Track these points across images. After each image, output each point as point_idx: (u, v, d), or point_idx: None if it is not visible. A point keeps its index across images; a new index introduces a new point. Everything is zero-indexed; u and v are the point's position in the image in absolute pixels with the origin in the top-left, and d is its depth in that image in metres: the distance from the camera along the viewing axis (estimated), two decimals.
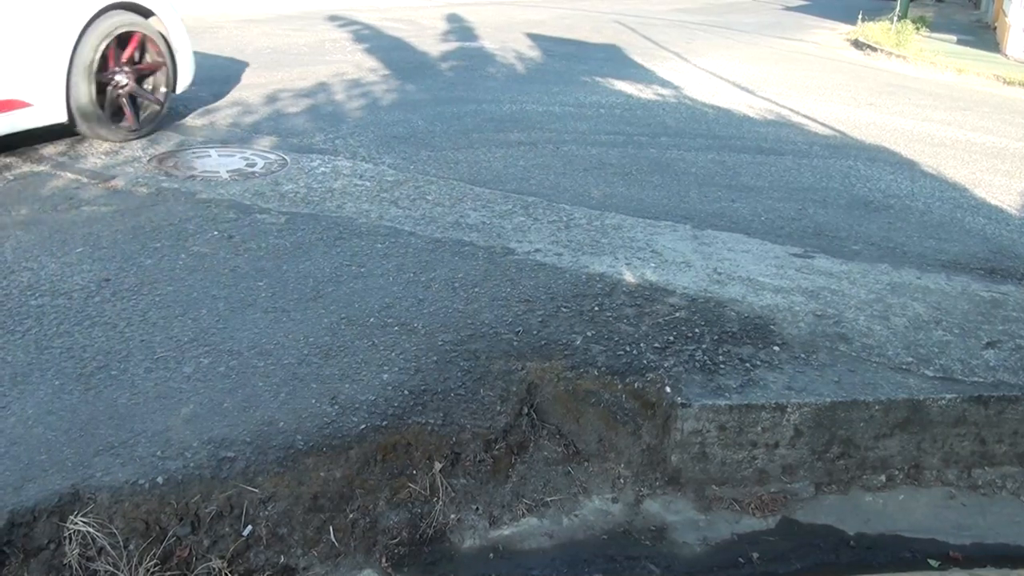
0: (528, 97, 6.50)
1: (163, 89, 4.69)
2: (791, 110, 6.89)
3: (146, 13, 4.52)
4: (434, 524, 2.26)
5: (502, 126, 5.52)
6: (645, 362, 2.63)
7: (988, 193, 4.90)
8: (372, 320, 2.80)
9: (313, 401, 2.35)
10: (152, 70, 4.62)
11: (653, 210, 4.09)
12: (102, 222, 3.45)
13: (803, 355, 2.75)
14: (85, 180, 3.92)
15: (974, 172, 5.37)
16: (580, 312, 2.93)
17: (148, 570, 1.95)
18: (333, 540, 2.15)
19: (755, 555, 2.36)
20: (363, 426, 2.27)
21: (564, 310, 2.93)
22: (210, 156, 4.44)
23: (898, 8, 13.97)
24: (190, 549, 2.03)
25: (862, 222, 4.19)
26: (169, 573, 1.98)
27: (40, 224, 3.39)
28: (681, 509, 2.47)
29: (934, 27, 14.89)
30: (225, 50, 7.32)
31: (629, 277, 3.25)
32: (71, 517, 1.93)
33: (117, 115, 4.45)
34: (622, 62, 8.75)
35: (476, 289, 3.06)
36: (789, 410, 2.49)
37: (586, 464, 2.53)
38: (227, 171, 4.19)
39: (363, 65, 7.29)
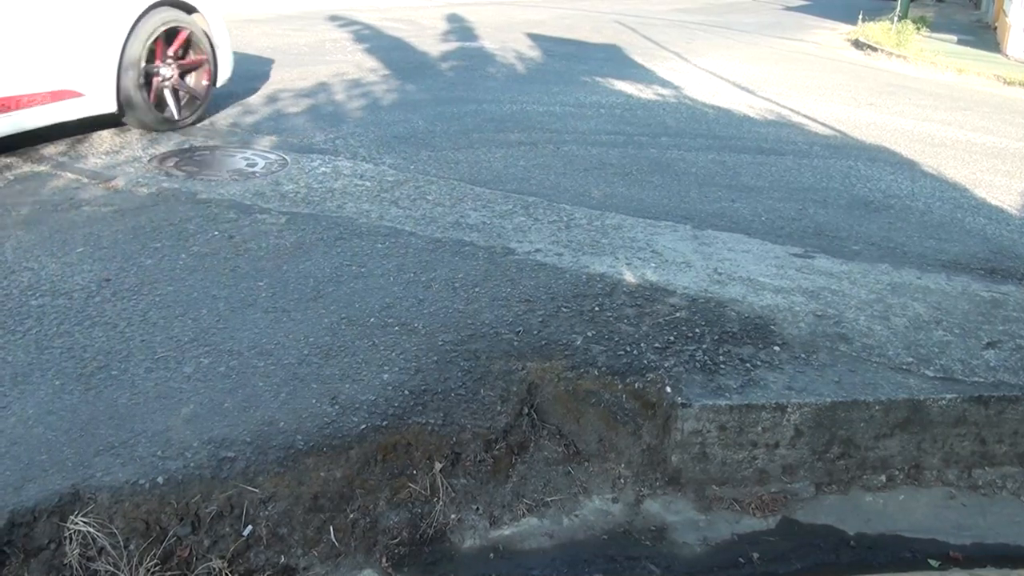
0: (528, 97, 6.50)
1: (204, 82, 4.92)
2: (791, 110, 6.89)
3: (190, 10, 4.75)
4: (434, 524, 2.26)
5: (502, 126, 5.52)
6: (645, 362, 2.63)
7: (988, 193, 4.90)
8: (372, 320, 2.80)
9: (313, 401, 2.35)
10: (195, 64, 4.85)
11: (653, 210, 4.09)
12: (102, 222, 3.45)
13: (803, 355, 2.75)
14: (85, 180, 3.92)
15: (974, 172, 5.37)
16: (580, 312, 2.93)
17: (148, 570, 1.95)
18: (333, 540, 2.15)
19: (755, 555, 2.36)
20: (363, 426, 2.27)
21: (564, 310, 2.93)
22: (210, 156, 4.44)
23: (898, 8, 13.97)
24: (190, 549, 2.03)
25: (862, 222, 4.19)
26: (169, 573, 1.98)
27: (40, 224, 3.39)
28: (681, 509, 2.47)
29: (934, 27, 14.90)
30: None
31: (629, 277, 3.25)
32: (71, 517, 1.93)
33: (161, 106, 4.68)
34: (622, 62, 8.75)
35: (476, 289, 3.06)
36: (789, 410, 2.49)
37: (586, 464, 2.53)
38: (227, 171, 4.19)
39: (363, 65, 7.29)
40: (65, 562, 1.92)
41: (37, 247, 3.18)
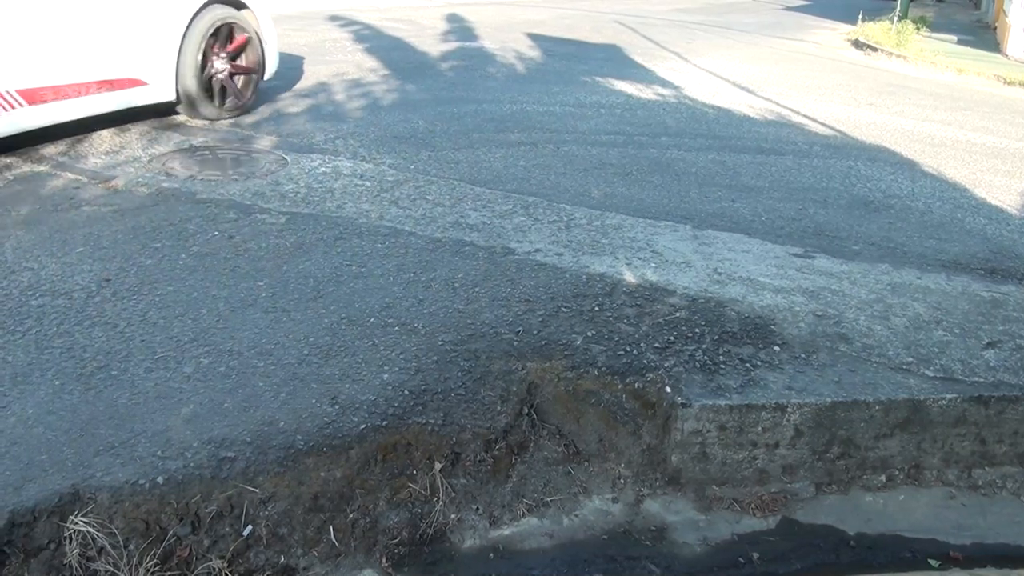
0: (528, 97, 6.50)
1: (254, 73, 5.24)
2: (791, 110, 6.89)
3: (240, 6, 5.07)
4: (434, 524, 2.26)
5: (502, 126, 5.52)
6: (645, 362, 2.63)
7: (988, 193, 4.90)
8: (372, 320, 2.80)
9: (313, 401, 2.35)
10: (246, 58, 5.18)
11: (653, 210, 4.09)
12: (102, 222, 3.45)
13: (803, 355, 2.75)
14: (85, 180, 3.92)
15: (974, 172, 5.37)
16: (580, 312, 2.93)
17: (148, 570, 1.95)
18: (333, 540, 2.15)
19: (755, 555, 2.36)
20: (363, 426, 2.27)
21: (564, 310, 2.93)
22: (210, 156, 4.44)
23: (898, 8, 13.98)
24: (190, 549, 2.03)
25: (862, 222, 4.19)
26: (169, 573, 1.98)
27: (40, 224, 3.39)
28: (681, 509, 2.47)
29: (934, 27, 14.90)
30: None
31: (629, 277, 3.25)
32: (71, 517, 1.93)
33: (213, 96, 4.98)
34: (622, 62, 8.75)
35: (476, 289, 3.06)
36: (789, 410, 2.49)
37: (586, 464, 2.53)
38: (227, 171, 4.19)
39: (363, 65, 7.29)
40: (65, 562, 1.92)
41: (37, 247, 3.18)
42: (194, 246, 3.27)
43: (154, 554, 1.97)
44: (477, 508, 2.34)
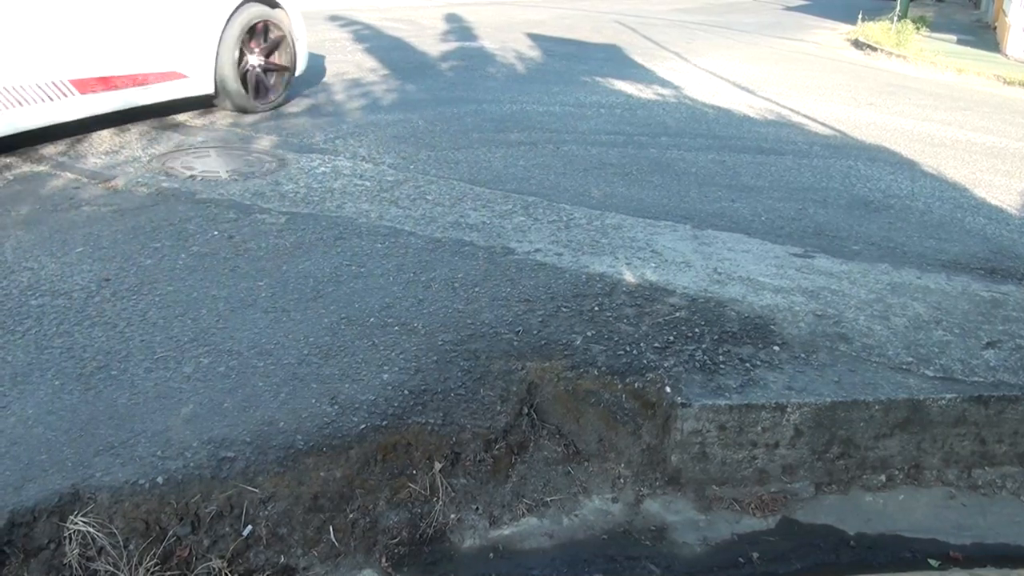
0: (528, 97, 6.50)
1: (287, 69, 5.47)
2: (791, 110, 6.90)
3: (274, 5, 5.30)
4: (434, 524, 2.26)
5: (502, 126, 5.52)
6: (645, 362, 2.63)
7: (988, 193, 4.90)
8: (372, 320, 2.80)
9: (313, 401, 2.35)
10: (279, 54, 5.42)
11: (653, 210, 4.09)
12: (102, 222, 3.45)
13: (803, 355, 2.75)
14: (85, 180, 3.92)
15: (974, 172, 5.37)
16: (580, 312, 2.92)
17: (148, 570, 1.95)
18: (333, 540, 2.15)
19: (755, 555, 2.36)
20: (363, 426, 2.27)
21: (564, 310, 2.93)
22: (210, 156, 4.44)
23: (898, 8, 13.98)
24: (190, 549, 2.03)
25: (862, 222, 4.19)
26: (169, 573, 1.98)
27: (40, 224, 3.39)
28: (681, 509, 2.47)
29: (934, 27, 14.90)
30: None
31: (629, 277, 3.25)
32: (71, 517, 1.93)
33: (248, 90, 5.20)
34: (622, 62, 8.75)
35: (476, 289, 3.06)
36: (789, 410, 2.49)
37: (586, 464, 2.53)
38: (227, 171, 4.19)
39: (363, 65, 7.29)
40: (65, 562, 1.92)
41: (37, 247, 3.18)
42: (194, 246, 3.27)
43: (154, 554, 1.97)
44: (477, 508, 2.34)
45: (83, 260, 3.09)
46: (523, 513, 2.38)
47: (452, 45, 8.83)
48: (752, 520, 2.48)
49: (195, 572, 2.01)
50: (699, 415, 2.44)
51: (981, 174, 5.33)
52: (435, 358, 2.60)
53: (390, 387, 2.44)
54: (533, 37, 9.88)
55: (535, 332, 2.77)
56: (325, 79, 6.51)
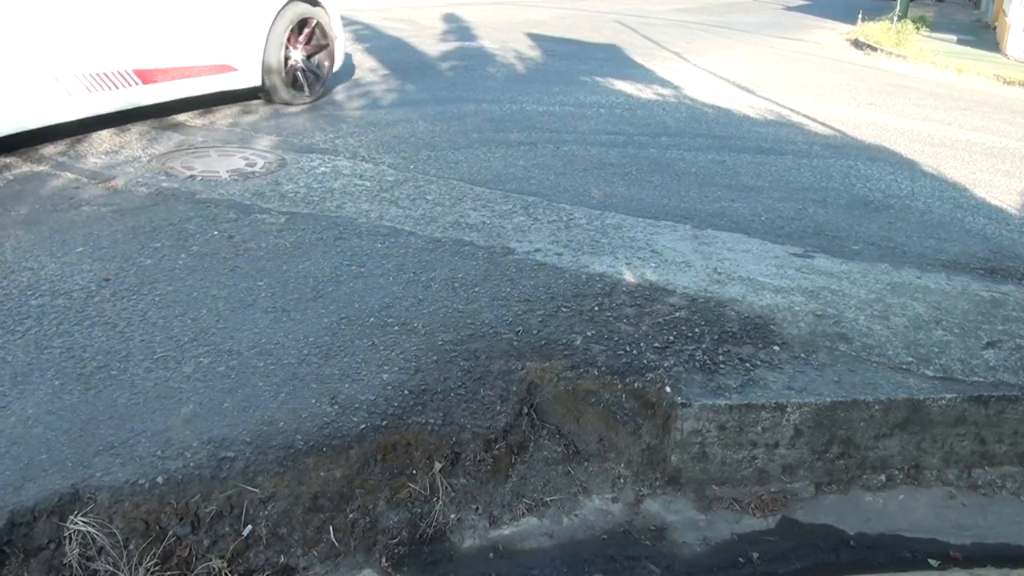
0: (528, 97, 6.50)
1: (326, 64, 5.81)
2: (791, 110, 6.90)
3: (315, 4, 5.61)
4: (434, 524, 2.26)
5: (502, 126, 5.52)
6: (645, 362, 2.63)
7: (988, 193, 4.90)
8: (372, 320, 2.80)
9: (313, 401, 2.35)
10: (318, 50, 5.73)
11: (653, 210, 4.09)
12: (102, 222, 3.45)
13: (803, 355, 2.75)
14: (85, 180, 3.92)
15: (974, 172, 5.37)
16: (580, 312, 2.93)
17: (148, 570, 1.95)
18: (333, 540, 2.15)
19: (755, 555, 2.36)
20: (363, 426, 2.27)
21: (564, 310, 2.93)
22: (210, 156, 4.44)
23: (898, 8, 13.98)
24: (190, 549, 2.03)
25: (862, 222, 4.19)
26: (169, 573, 1.98)
27: (40, 224, 3.39)
28: (681, 509, 2.47)
29: (934, 27, 14.90)
30: None
31: (629, 277, 3.25)
32: (71, 517, 1.93)
33: (291, 84, 5.53)
34: (622, 62, 8.75)
35: (476, 289, 3.06)
36: (789, 410, 2.49)
37: (586, 464, 2.53)
38: (227, 171, 4.19)
39: (363, 65, 7.29)
40: (65, 562, 1.92)
41: (37, 247, 3.18)
42: (194, 246, 3.27)
43: (154, 554, 1.97)
44: (477, 508, 2.34)
45: (83, 260, 3.09)
46: (523, 513, 2.38)
47: (452, 45, 8.83)
48: (752, 520, 2.48)
49: (195, 572, 2.01)
50: (699, 415, 2.44)
51: (981, 174, 5.33)
52: (435, 358, 2.60)
53: (390, 387, 2.44)
54: (533, 37, 9.88)
55: (535, 332, 2.77)
56: None
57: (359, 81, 6.58)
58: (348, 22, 9.69)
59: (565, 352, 2.65)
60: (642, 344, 2.73)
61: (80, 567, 1.92)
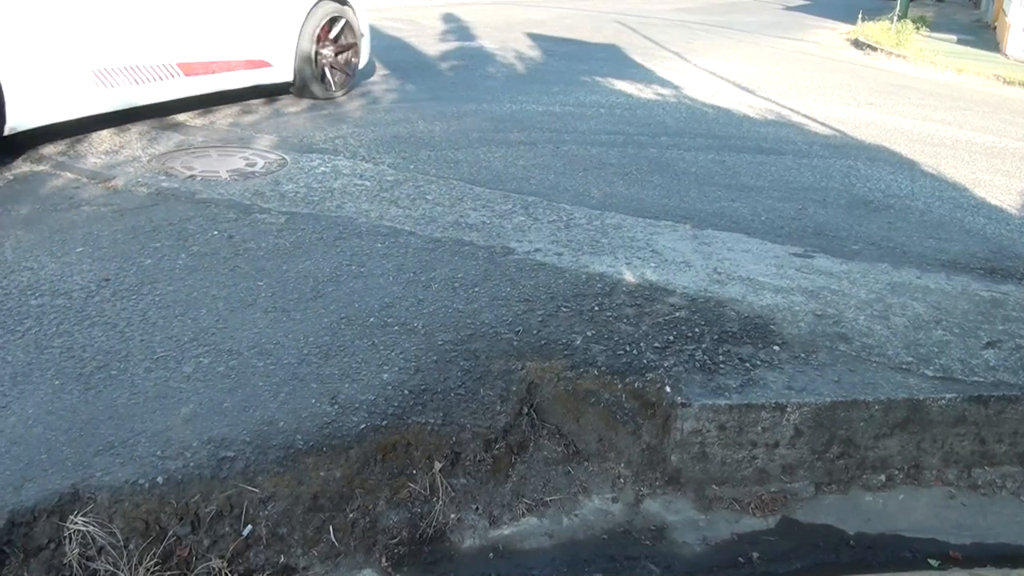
0: (528, 97, 6.50)
1: (354, 61, 6.05)
2: (791, 110, 6.90)
3: (344, 2, 5.86)
4: (434, 524, 2.26)
5: (502, 126, 5.52)
6: (645, 362, 2.63)
7: (988, 193, 4.90)
8: (372, 320, 2.80)
9: (313, 401, 2.35)
10: (347, 48, 5.96)
11: (653, 210, 4.09)
12: (102, 222, 3.45)
13: (803, 355, 2.75)
14: (85, 180, 3.92)
15: (974, 172, 5.37)
16: (580, 312, 2.93)
17: (148, 570, 1.95)
18: (333, 540, 2.15)
19: (755, 555, 2.36)
20: (363, 426, 2.27)
21: (564, 310, 2.93)
22: (210, 156, 4.44)
23: (898, 8, 13.98)
24: (190, 549, 2.03)
25: (862, 222, 4.19)
26: (169, 573, 1.98)
27: (40, 224, 3.39)
28: (681, 509, 2.47)
29: (934, 27, 14.90)
30: None
31: (629, 277, 3.25)
32: (71, 517, 1.93)
33: (321, 79, 5.77)
34: (622, 62, 8.75)
35: (476, 289, 3.06)
36: (789, 410, 2.49)
37: (586, 464, 2.53)
38: (227, 171, 4.19)
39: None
40: (65, 562, 1.92)
41: (37, 247, 3.18)
42: (194, 246, 3.27)
43: (154, 554, 1.97)
44: (477, 508, 2.34)
45: (83, 260, 3.09)
46: (523, 513, 2.38)
47: (452, 45, 8.83)
48: (752, 520, 2.48)
49: (195, 572, 2.01)
50: (699, 415, 2.44)
51: (981, 174, 5.33)
52: (435, 358, 2.60)
53: (390, 387, 2.44)
54: (533, 37, 9.88)
55: (535, 332, 2.77)
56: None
57: (359, 81, 6.58)
58: None
59: (565, 352, 2.65)
60: (642, 344, 2.73)
61: (80, 567, 1.92)
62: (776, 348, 2.78)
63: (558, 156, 4.92)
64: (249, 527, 2.08)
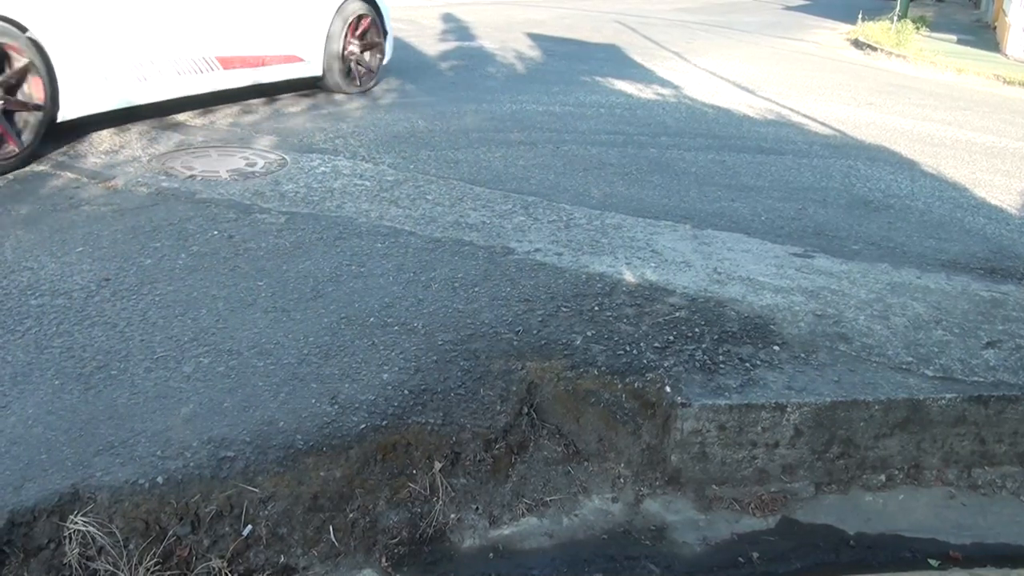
0: (528, 97, 6.50)
1: (379, 57, 6.28)
2: (791, 110, 6.89)
3: (370, 1, 6.08)
4: (434, 524, 2.26)
5: (502, 126, 5.52)
6: (645, 362, 2.63)
7: (988, 193, 4.90)
8: (372, 320, 2.80)
9: (313, 401, 2.35)
10: (372, 45, 6.18)
11: (653, 210, 4.09)
12: (102, 222, 3.45)
13: (803, 355, 2.75)
14: (85, 180, 3.92)
15: (974, 172, 5.37)
16: (580, 312, 2.93)
17: (148, 569, 1.95)
18: (333, 540, 2.15)
19: (755, 555, 2.36)
20: (363, 426, 2.27)
21: (564, 310, 2.93)
22: (210, 156, 4.44)
23: (898, 8, 13.97)
24: (190, 549, 2.03)
25: (862, 222, 4.19)
26: (169, 573, 1.98)
27: (40, 224, 3.39)
28: (681, 509, 2.47)
29: (934, 27, 14.90)
30: None
31: (629, 277, 3.25)
32: (71, 517, 1.93)
33: (348, 75, 6.01)
34: (622, 62, 8.75)
35: (476, 289, 3.06)
36: (789, 410, 2.49)
37: (586, 464, 2.53)
38: (227, 171, 4.19)
39: None
40: (65, 562, 1.92)
41: (37, 247, 3.18)
42: (194, 246, 3.27)
43: (154, 554, 1.97)
44: (477, 508, 2.34)
45: (83, 260, 3.09)
46: (523, 513, 2.38)
47: (452, 45, 8.83)
48: (752, 520, 2.48)
49: (195, 572, 2.01)
50: (699, 415, 2.45)
51: (981, 174, 5.33)
52: (435, 358, 2.60)
53: (390, 387, 2.44)
54: (533, 37, 9.88)
55: (535, 332, 2.77)
56: None
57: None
58: None
59: (565, 352, 2.65)
60: (642, 344, 2.73)
61: (80, 567, 1.92)
62: (776, 348, 2.78)
63: (558, 156, 4.92)
64: (249, 527, 2.08)
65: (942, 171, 5.30)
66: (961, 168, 5.42)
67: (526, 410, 2.51)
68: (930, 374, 2.69)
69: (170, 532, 2.01)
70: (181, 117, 5.09)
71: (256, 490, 2.09)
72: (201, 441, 2.16)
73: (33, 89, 3.90)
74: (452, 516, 2.29)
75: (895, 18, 13.46)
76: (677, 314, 2.97)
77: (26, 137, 3.92)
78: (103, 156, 4.29)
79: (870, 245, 3.85)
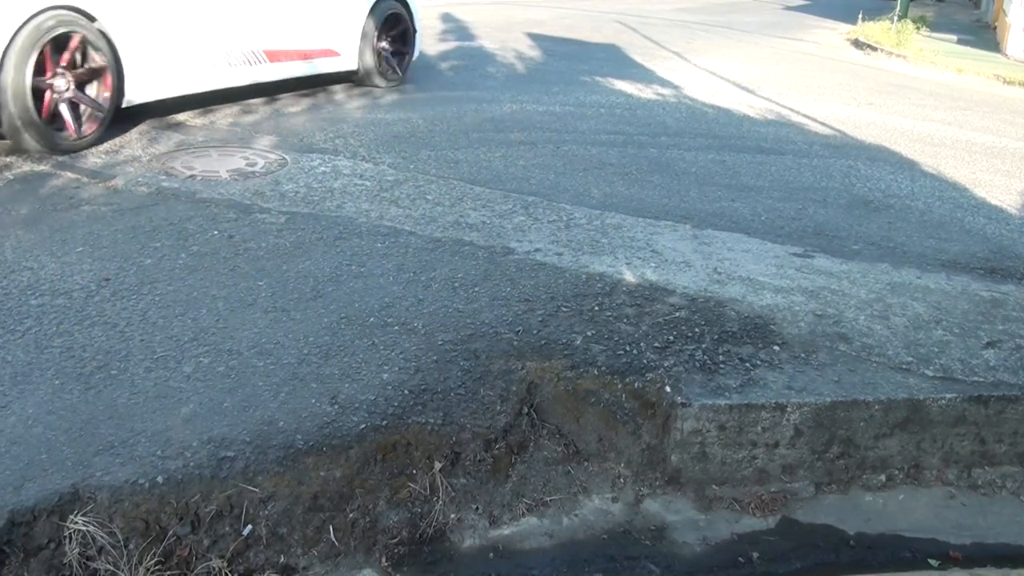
0: (528, 97, 6.50)
1: (408, 54, 6.58)
2: (791, 110, 6.90)
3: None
4: (434, 524, 2.26)
5: (502, 125, 5.52)
6: (645, 362, 2.63)
7: (988, 193, 4.90)
8: (372, 320, 2.80)
9: (313, 401, 2.35)
10: (402, 41, 6.47)
11: (653, 210, 4.09)
12: (102, 222, 3.44)
13: (803, 355, 2.75)
14: (85, 180, 3.92)
15: (974, 172, 5.37)
16: (580, 312, 2.93)
17: (148, 569, 1.95)
18: (333, 539, 2.15)
19: (755, 555, 2.36)
20: (363, 425, 2.27)
21: (564, 310, 2.93)
22: (210, 155, 4.44)
23: (898, 8, 13.97)
24: (190, 548, 2.03)
25: (862, 222, 4.19)
26: (169, 572, 1.98)
27: (40, 223, 3.39)
28: (681, 509, 2.47)
29: (934, 27, 14.90)
30: None
31: (629, 277, 3.25)
32: (71, 516, 1.93)
33: (380, 69, 6.31)
34: (622, 62, 8.75)
35: (476, 289, 3.06)
36: (789, 410, 2.49)
37: (586, 464, 2.53)
38: (227, 171, 4.19)
39: None
40: (65, 561, 1.92)
41: (37, 246, 3.18)
42: (194, 246, 3.27)
43: (154, 553, 1.97)
44: (477, 508, 2.34)
45: (83, 260, 3.09)
46: (523, 513, 2.38)
47: (452, 45, 8.83)
48: (752, 520, 2.48)
49: (195, 572, 2.01)
50: (699, 415, 2.45)
51: (981, 174, 5.33)
52: (435, 358, 2.60)
53: (390, 387, 2.44)
54: (533, 37, 9.88)
55: (535, 332, 2.77)
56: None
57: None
58: None
59: (565, 352, 2.65)
60: (642, 344, 2.73)
61: (80, 567, 1.92)
62: (776, 348, 2.78)
63: (558, 156, 4.92)
64: (249, 527, 2.08)
65: (942, 171, 5.30)
66: (961, 168, 5.43)
67: (526, 410, 2.51)
68: (930, 374, 2.69)
69: (170, 532, 2.01)
70: (181, 117, 5.09)
71: (256, 490, 2.09)
72: (201, 441, 2.16)
73: (102, 83, 4.26)
74: (452, 516, 2.29)
75: (895, 18, 13.46)
76: (677, 314, 2.97)
77: (85, 128, 4.25)
78: (103, 156, 4.29)
79: (870, 245, 3.85)
